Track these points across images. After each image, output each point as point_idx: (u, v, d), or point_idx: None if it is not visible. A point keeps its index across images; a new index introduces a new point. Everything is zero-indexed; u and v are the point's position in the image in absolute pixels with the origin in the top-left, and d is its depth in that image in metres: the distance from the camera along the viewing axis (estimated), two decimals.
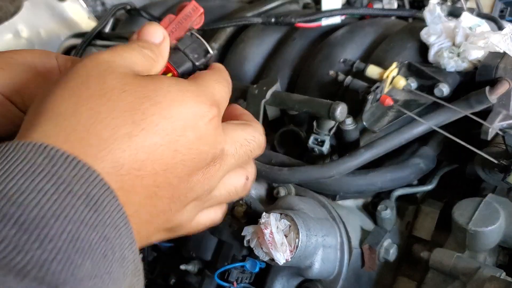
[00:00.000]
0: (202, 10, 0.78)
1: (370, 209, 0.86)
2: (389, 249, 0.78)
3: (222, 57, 1.02)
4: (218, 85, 0.47)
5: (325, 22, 1.00)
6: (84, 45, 1.01)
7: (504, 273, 0.75)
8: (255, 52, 0.98)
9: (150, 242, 0.44)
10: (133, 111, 0.37)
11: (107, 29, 1.16)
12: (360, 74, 0.82)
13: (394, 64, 0.79)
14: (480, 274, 0.75)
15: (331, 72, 0.81)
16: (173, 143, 0.39)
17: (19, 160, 0.31)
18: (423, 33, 0.84)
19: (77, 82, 0.38)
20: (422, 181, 0.88)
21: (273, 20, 1.01)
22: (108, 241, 0.34)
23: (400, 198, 0.87)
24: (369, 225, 0.82)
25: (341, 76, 0.80)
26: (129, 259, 0.36)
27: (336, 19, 1.00)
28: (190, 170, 0.41)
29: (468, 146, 0.73)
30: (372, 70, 0.80)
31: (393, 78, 0.79)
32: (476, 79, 0.79)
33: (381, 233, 0.79)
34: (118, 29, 1.23)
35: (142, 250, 0.85)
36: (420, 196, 0.89)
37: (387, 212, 0.81)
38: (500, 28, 0.94)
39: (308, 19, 0.99)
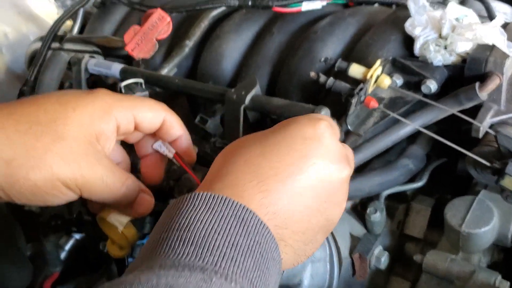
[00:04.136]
0: (169, 18, 0.73)
1: (359, 209, 0.83)
2: (380, 257, 0.75)
3: (198, 55, 0.97)
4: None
5: (306, 7, 0.94)
6: (47, 43, 0.94)
7: (500, 276, 0.73)
8: (232, 48, 0.93)
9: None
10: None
11: (77, 24, 1.10)
12: (342, 73, 0.77)
13: (378, 62, 0.74)
14: (475, 279, 0.72)
15: (312, 74, 0.76)
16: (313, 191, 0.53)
17: (203, 203, 0.48)
18: (408, 25, 0.79)
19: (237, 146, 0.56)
20: (411, 178, 0.85)
21: (249, 3, 0.95)
22: (260, 245, 0.47)
23: (389, 197, 0.84)
24: (358, 229, 0.79)
25: (322, 78, 0.75)
26: (277, 260, 0.49)
27: (317, 4, 0.94)
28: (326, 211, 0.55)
29: (459, 148, 0.70)
30: (355, 70, 0.75)
31: (378, 77, 0.74)
32: (465, 74, 0.74)
33: (372, 240, 0.76)
34: (88, 24, 1.16)
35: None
36: (410, 193, 0.86)
37: (377, 216, 0.78)
38: (489, 10, 0.89)
39: (287, 3, 0.94)
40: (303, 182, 0.52)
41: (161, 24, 0.68)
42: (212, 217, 0.46)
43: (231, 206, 0.47)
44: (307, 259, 0.68)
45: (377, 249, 0.75)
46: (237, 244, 0.45)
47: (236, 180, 0.51)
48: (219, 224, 0.46)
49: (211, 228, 0.46)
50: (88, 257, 0.99)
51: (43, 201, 0.54)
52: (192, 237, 0.45)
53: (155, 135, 0.64)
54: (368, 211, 0.79)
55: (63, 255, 1.02)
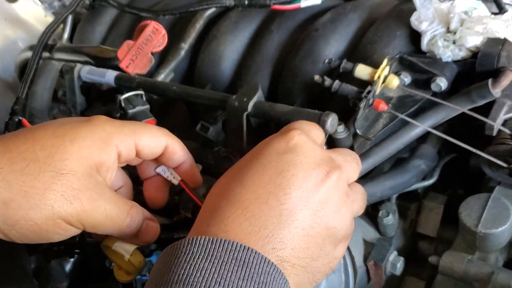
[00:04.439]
0: (164, 31, 0.69)
1: (370, 211, 0.81)
2: (395, 263, 0.73)
3: (194, 56, 0.93)
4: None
5: (305, 3, 0.90)
6: (37, 55, 0.90)
7: None
8: (230, 49, 0.90)
9: None
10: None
11: (67, 29, 1.06)
12: (348, 74, 0.74)
13: (385, 61, 0.71)
14: (494, 281, 0.70)
15: (317, 77, 0.73)
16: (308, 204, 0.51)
17: (201, 249, 0.46)
18: (413, 19, 0.75)
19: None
20: None
21: (246, 2, 0.92)
22: (267, 285, 0.45)
23: (400, 196, 0.81)
24: (371, 233, 0.77)
25: (327, 81, 0.72)
26: None
27: (317, 0, 0.91)
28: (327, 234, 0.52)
29: (474, 150, 0.67)
30: (362, 70, 0.72)
31: (385, 77, 0.71)
32: (477, 69, 0.71)
33: (386, 246, 0.73)
34: (79, 27, 1.12)
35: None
36: (421, 191, 0.84)
37: (389, 218, 0.76)
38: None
39: (285, 0, 0.90)
40: (287, 197, 0.49)
41: (156, 37, 0.65)
42: (212, 265, 0.44)
43: (230, 248, 0.45)
44: None
45: (392, 255, 0.73)
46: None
47: (221, 216, 0.49)
48: (219, 272, 0.44)
49: (211, 278, 0.43)
50: (94, 271, 0.97)
51: (45, 239, 0.51)
52: None
53: (157, 159, 0.61)
54: (380, 214, 0.76)
55: (68, 267, 1.00)
